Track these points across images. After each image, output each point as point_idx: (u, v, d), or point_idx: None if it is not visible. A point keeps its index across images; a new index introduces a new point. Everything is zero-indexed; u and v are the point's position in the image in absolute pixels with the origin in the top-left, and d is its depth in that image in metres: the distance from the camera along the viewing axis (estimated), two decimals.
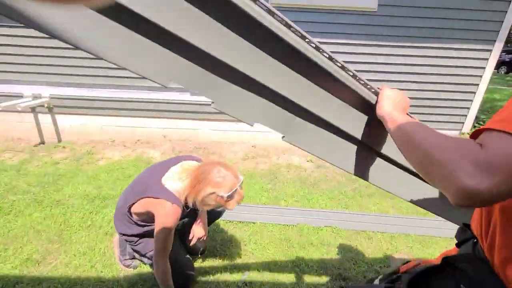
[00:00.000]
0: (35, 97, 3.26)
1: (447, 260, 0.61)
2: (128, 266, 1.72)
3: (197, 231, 1.64)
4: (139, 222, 1.46)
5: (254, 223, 2.18)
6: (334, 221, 2.22)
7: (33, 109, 3.32)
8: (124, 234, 1.52)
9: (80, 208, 2.25)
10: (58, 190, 2.49)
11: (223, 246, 1.95)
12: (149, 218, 1.42)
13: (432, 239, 2.10)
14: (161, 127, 3.53)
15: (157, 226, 1.33)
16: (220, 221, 2.18)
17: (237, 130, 3.57)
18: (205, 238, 1.66)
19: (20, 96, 3.25)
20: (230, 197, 1.30)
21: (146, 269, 1.73)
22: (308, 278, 1.72)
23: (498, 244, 0.52)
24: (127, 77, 3.28)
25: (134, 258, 1.72)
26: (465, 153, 0.43)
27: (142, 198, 1.37)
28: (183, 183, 1.34)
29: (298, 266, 1.81)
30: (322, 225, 2.18)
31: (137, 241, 1.52)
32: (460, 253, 0.65)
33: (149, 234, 1.49)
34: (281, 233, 2.11)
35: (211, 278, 1.70)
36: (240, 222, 2.18)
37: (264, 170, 3.07)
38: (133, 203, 1.40)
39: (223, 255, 1.87)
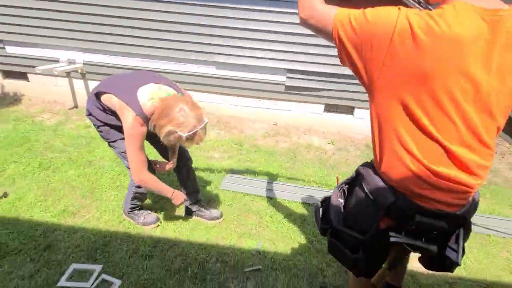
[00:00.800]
0: (70, 62, 3.41)
1: (356, 170, 0.98)
2: (146, 224, 1.86)
3: (166, 165, 1.74)
4: (106, 110, 1.52)
5: (271, 198, 2.24)
6: None
7: (67, 74, 3.49)
8: (91, 114, 1.57)
9: (110, 169, 2.41)
10: (90, 151, 2.66)
11: (240, 216, 2.04)
12: (114, 113, 1.47)
13: None
14: None
15: (126, 142, 1.41)
16: (238, 193, 2.26)
17: (259, 107, 3.57)
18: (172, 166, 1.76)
19: (56, 60, 3.41)
20: (189, 137, 1.33)
21: (169, 229, 1.86)
22: (320, 254, 1.77)
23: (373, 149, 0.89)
24: (157, 48, 3.32)
25: (140, 208, 1.88)
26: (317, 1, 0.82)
27: (112, 94, 1.41)
28: (152, 105, 1.37)
29: (311, 243, 1.86)
30: None
31: (100, 125, 1.59)
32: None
33: (111, 126, 1.57)
34: (297, 210, 2.16)
35: (227, 244, 1.80)
36: (257, 195, 2.25)
37: (284, 148, 3.10)
38: (102, 92, 1.46)
39: (240, 225, 1.96)
